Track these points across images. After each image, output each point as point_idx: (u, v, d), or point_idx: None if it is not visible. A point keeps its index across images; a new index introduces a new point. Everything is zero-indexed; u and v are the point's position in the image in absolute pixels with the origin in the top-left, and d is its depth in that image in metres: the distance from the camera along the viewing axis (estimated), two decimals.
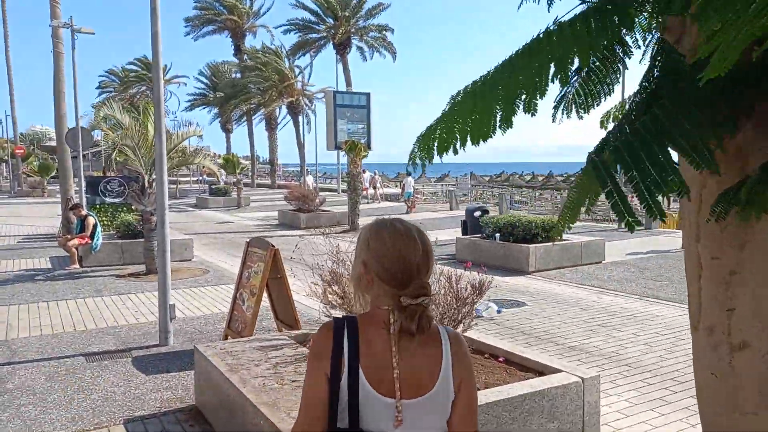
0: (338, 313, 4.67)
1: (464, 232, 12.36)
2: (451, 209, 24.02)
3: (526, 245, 10.07)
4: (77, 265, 10.85)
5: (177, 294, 8.09)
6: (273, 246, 5.54)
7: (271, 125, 45.31)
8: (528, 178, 48.54)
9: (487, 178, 50.39)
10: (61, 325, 6.86)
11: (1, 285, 9.20)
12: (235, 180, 27.11)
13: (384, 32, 32.50)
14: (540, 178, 46.34)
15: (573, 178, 46.03)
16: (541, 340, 6.07)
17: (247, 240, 6.04)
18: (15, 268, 10.83)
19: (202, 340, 6.16)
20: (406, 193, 25.02)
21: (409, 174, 26.36)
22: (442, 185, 46.75)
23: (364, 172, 32.58)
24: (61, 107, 16.07)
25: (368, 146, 18.54)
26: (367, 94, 19.29)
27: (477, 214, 12.33)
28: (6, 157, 43.60)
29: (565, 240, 10.72)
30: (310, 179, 29.08)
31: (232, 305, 5.93)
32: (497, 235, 10.60)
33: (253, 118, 44.92)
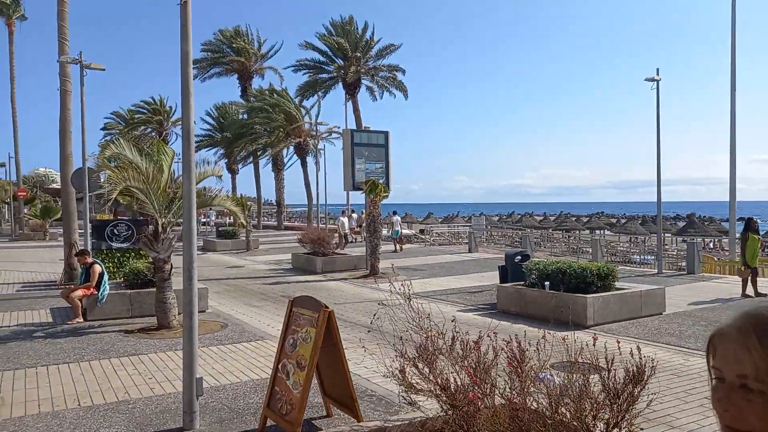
0: (426, 401, 3.64)
1: (503, 279, 11.33)
2: (470, 251, 23.00)
3: (582, 295, 9.04)
4: (81, 319, 9.80)
5: None
6: (326, 307, 4.54)
7: (278, 166, 44.77)
8: (540, 218, 47.73)
9: (496, 218, 49.49)
10: (63, 398, 5.77)
11: None
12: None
13: (395, 72, 32.19)
14: (552, 218, 45.42)
15: (586, 219, 45.15)
16: (649, 421, 4.98)
17: (290, 298, 5.04)
18: (12, 323, 9.77)
19: (235, 421, 5.08)
20: (393, 232, 24.37)
21: (395, 213, 25.73)
22: (448, 226, 45.86)
23: (353, 212, 32.05)
24: (66, 147, 15.32)
25: (387, 186, 17.65)
26: (386, 133, 18.51)
27: (518, 259, 11.33)
28: (8, 200, 42.87)
29: (622, 289, 9.70)
30: (345, 221, 25.73)
31: (272, 379, 4.88)
32: (547, 283, 9.57)
33: (259, 158, 44.40)
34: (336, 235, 21.21)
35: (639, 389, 2.94)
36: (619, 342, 3.47)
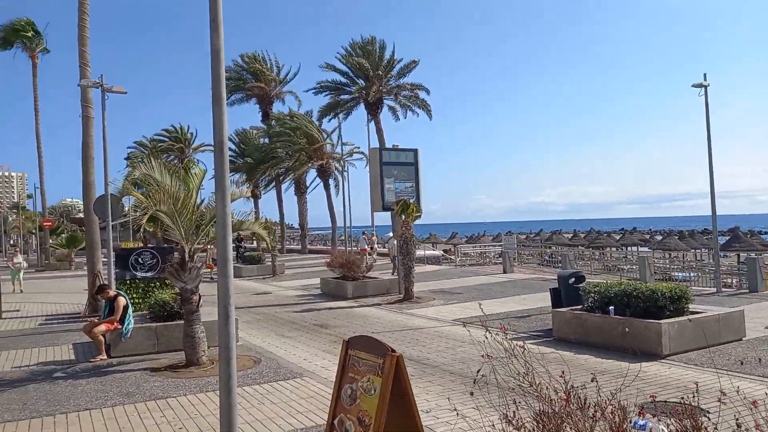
0: None
1: (557, 303, 10.40)
2: (505, 272, 21.99)
3: (655, 321, 8.08)
4: (104, 356, 9.13)
5: None
6: (393, 351, 3.74)
7: (301, 189, 44.42)
8: (569, 235, 46.30)
9: (524, 236, 48.26)
10: None
11: (14, 387, 7.48)
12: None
13: (416, 91, 31.67)
14: (582, 235, 44.00)
15: (618, 236, 43.59)
16: None
17: (345, 338, 4.25)
18: (33, 361, 9.14)
19: None
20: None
21: (395, 232, 24.74)
22: (473, 246, 44.68)
23: (363, 234, 31.32)
24: (89, 174, 14.92)
25: (418, 206, 16.88)
26: (415, 151, 17.81)
27: (572, 280, 10.41)
28: (35, 230, 43.14)
29: (697, 313, 8.70)
30: (395, 243, 23.23)
31: None
32: (611, 308, 8.63)
33: (282, 182, 44.11)
34: (366, 258, 20.41)
35: None
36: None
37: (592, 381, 2.70)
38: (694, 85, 14.70)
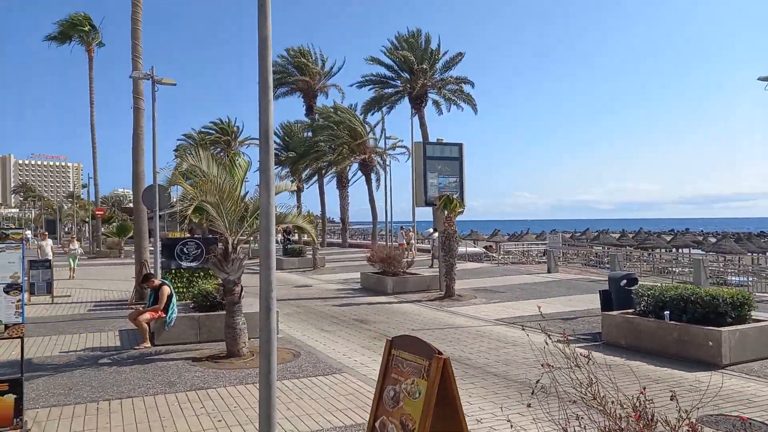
0: None
1: (606, 306, 9.96)
2: (549, 271, 21.40)
3: (715, 328, 7.58)
4: (148, 344, 9.27)
5: None
6: (439, 353, 3.53)
7: (343, 183, 44.53)
8: (617, 235, 44.78)
9: (568, 235, 47.05)
10: None
11: (61, 372, 7.65)
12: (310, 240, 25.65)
13: (461, 84, 31.16)
14: (630, 235, 42.47)
15: (669, 237, 41.85)
16: None
17: (388, 337, 4.07)
18: (80, 346, 9.37)
19: None
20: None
21: (435, 230, 24.30)
22: (515, 244, 43.84)
23: (401, 228, 31.11)
24: (139, 165, 15.26)
25: (462, 201, 16.56)
26: (460, 145, 17.50)
27: (624, 282, 9.94)
28: (87, 219, 44.81)
29: (761, 321, 8.14)
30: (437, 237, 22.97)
31: None
32: (666, 313, 8.17)
33: (324, 176, 44.34)
34: (408, 253, 20.25)
35: None
36: None
37: (671, 400, 2.41)
38: (760, 79, 13.84)
